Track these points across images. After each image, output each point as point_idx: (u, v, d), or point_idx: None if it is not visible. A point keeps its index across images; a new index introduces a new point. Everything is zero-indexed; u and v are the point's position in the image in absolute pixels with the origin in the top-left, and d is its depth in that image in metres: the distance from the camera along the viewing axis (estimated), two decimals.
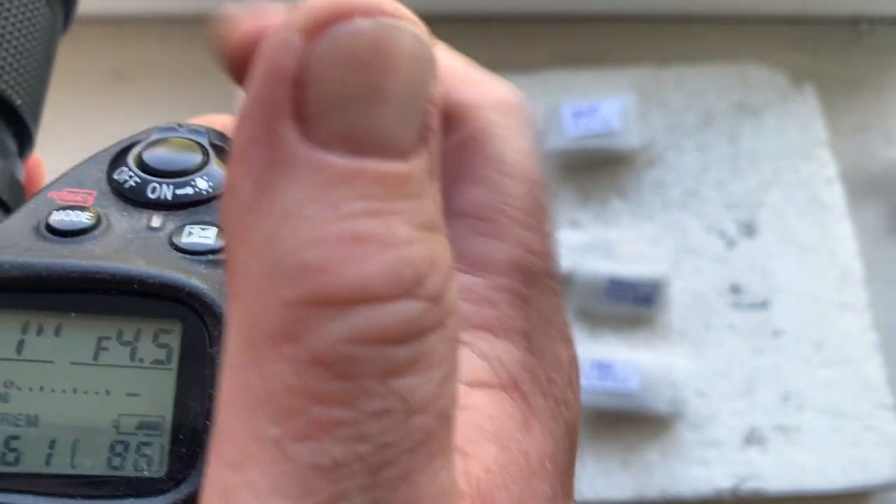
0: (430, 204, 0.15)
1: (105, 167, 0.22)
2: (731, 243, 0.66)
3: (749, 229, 0.66)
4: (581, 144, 0.65)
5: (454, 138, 0.21)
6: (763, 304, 0.64)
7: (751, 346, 0.62)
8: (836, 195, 0.67)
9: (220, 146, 0.23)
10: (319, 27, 0.14)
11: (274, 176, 0.14)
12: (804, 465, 0.59)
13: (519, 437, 0.18)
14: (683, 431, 0.60)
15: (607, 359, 0.59)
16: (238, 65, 0.19)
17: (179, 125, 0.24)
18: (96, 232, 0.21)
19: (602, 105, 0.66)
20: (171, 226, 0.21)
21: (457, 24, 0.73)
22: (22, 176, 0.29)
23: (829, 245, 0.65)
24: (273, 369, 0.14)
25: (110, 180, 0.22)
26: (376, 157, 0.14)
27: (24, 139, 0.29)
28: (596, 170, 0.67)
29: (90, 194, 0.22)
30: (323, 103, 0.14)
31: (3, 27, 0.27)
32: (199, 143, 0.23)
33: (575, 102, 0.67)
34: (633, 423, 0.60)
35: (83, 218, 0.21)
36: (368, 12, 0.14)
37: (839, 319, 0.63)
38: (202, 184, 0.22)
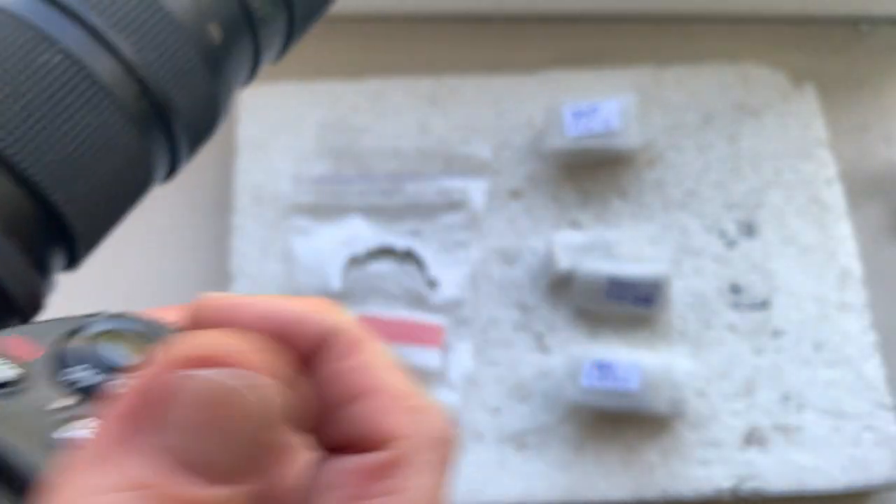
0: None
1: (65, 333, 0.21)
2: (731, 243, 0.66)
3: (749, 229, 0.66)
4: (581, 144, 0.65)
5: (369, 460, 0.20)
6: (763, 304, 0.64)
7: (751, 346, 0.62)
8: (836, 195, 0.67)
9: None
10: (187, 366, 0.17)
11: (112, 452, 0.17)
12: (804, 465, 0.59)
13: None
14: (683, 431, 0.60)
15: (607, 359, 0.59)
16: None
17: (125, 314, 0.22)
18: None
19: (602, 105, 0.66)
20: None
21: (457, 24, 0.73)
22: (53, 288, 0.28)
23: (829, 245, 0.65)
24: None
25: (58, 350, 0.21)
26: (200, 479, 0.17)
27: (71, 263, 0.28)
28: (596, 170, 0.67)
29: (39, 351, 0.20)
30: (173, 423, 0.17)
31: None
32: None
33: (575, 102, 0.66)
34: (633, 423, 0.60)
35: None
36: (222, 362, 0.17)
37: (839, 319, 0.63)
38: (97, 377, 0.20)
